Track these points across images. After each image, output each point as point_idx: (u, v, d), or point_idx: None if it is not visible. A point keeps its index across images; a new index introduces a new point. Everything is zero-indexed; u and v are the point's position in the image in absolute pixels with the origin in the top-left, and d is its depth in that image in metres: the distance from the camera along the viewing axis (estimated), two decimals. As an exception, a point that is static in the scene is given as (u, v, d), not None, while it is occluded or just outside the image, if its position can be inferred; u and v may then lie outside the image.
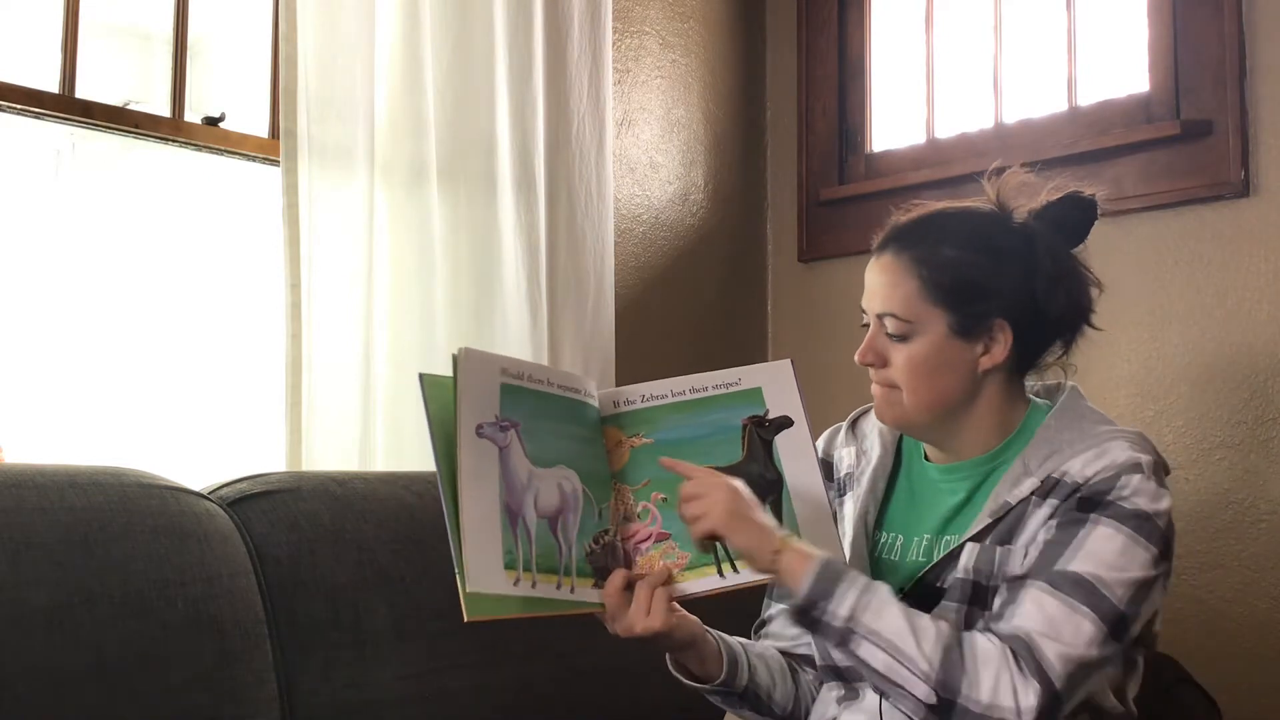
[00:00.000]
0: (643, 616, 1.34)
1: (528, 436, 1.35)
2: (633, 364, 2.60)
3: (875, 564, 1.46)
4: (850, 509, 1.51)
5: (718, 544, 1.35)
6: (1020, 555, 1.33)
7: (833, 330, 2.79)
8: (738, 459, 1.41)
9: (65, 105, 2.08)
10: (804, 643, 1.55)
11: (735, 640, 1.50)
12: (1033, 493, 1.35)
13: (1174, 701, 1.83)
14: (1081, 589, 1.26)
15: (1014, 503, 1.35)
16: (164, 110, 2.22)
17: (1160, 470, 1.35)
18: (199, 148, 2.27)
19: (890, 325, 1.39)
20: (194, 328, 3.16)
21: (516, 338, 2.35)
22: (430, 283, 2.27)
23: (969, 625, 1.32)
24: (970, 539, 1.36)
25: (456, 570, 1.24)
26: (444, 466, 1.28)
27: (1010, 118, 2.60)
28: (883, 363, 1.40)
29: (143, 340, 3.20)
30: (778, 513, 1.40)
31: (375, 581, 1.65)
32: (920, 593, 1.37)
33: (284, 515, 1.64)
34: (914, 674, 1.24)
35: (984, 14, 2.67)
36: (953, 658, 1.24)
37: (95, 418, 3.13)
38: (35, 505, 1.41)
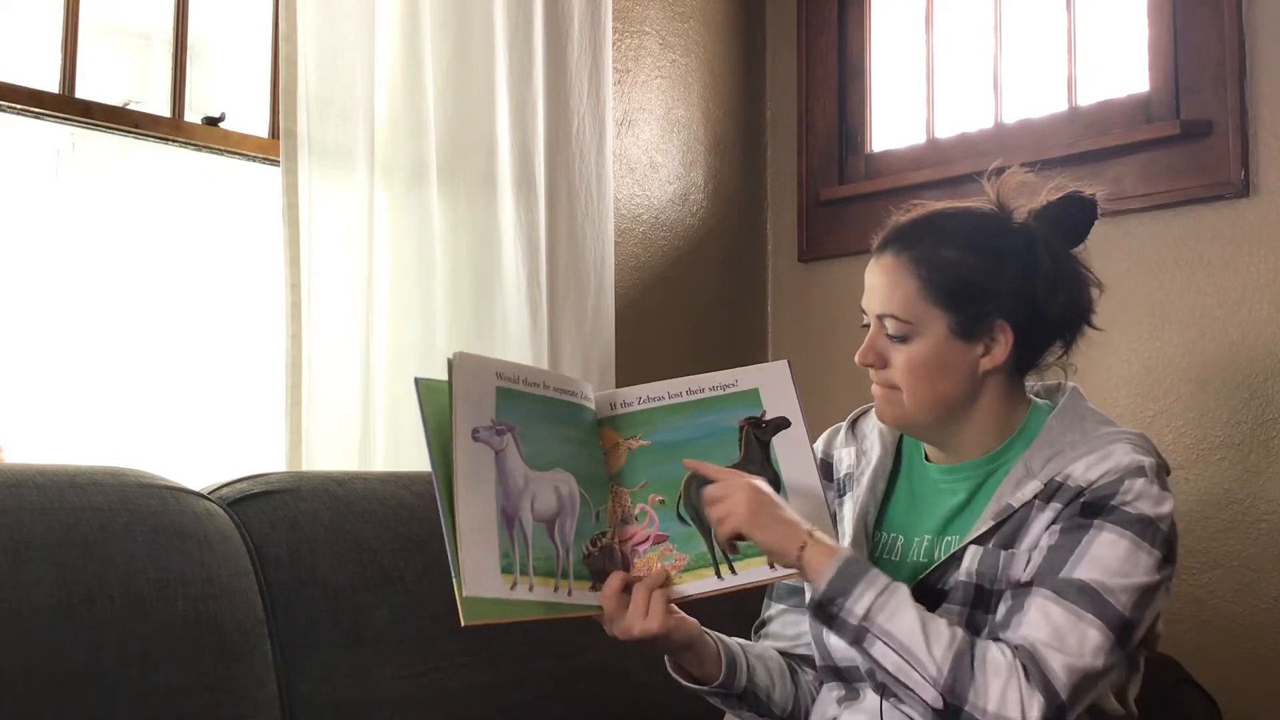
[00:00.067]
0: (641, 619, 1.34)
1: (524, 440, 1.34)
2: (632, 364, 2.59)
3: (875, 564, 1.46)
4: (850, 509, 1.51)
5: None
6: (1024, 560, 1.33)
7: (833, 330, 2.79)
8: (735, 460, 1.41)
9: (65, 105, 2.08)
10: (804, 643, 1.54)
11: (734, 641, 1.50)
12: (1036, 496, 1.34)
13: (1174, 702, 1.83)
14: (1086, 596, 1.26)
15: (1017, 506, 1.35)
16: (164, 110, 2.22)
17: (1162, 473, 1.35)
18: (199, 148, 2.26)
19: (890, 326, 1.38)
20: (194, 328, 3.16)
21: (516, 338, 2.35)
22: (430, 283, 2.27)
23: (971, 628, 1.32)
24: (973, 541, 1.36)
25: (453, 575, 1.24)
26: (440, 471, 1.28)
27: (1010, 118, 2.60)
28: (883, 363, 1.40)
29: (143, 340, 3.20)
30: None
31: (375, 581, 1.64)
32: (922, 594, 1.36)
33: (284, 515, 1.64)
34: (923, 678, 1.24)
35: (984, 14, 2.67)
36: (963, 665, 1.24)
37: (95, 418, 3.13)
38: (35, 505, 1.41)
